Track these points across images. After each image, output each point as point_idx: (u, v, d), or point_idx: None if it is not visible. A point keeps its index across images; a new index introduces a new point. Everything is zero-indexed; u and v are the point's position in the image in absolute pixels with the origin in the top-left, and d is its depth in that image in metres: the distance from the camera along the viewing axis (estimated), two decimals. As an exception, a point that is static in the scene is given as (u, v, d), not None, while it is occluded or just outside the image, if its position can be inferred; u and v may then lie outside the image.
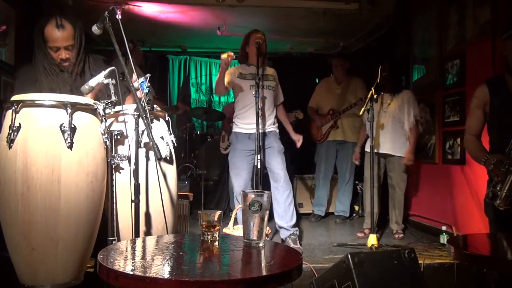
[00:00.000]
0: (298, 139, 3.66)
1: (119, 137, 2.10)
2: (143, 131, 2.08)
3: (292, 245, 3.26)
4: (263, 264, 1.38)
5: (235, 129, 3.48)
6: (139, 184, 2.00)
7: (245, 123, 3.40)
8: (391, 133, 3.81)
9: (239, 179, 3.41)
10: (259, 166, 3.09)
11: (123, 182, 2.13)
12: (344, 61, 4.70)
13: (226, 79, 3.34)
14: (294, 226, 3.38)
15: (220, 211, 1.53)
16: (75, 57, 2.32)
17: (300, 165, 5.21)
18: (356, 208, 4.92)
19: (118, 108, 2.11)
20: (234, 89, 3.49)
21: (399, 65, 4.52)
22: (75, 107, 1.96)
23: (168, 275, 1.17)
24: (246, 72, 3.45)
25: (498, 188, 2.08)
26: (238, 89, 3.45)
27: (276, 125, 3.50)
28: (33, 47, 2.32)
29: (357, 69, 5.87)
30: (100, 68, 2.23)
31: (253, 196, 1.46)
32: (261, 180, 3.15)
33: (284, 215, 3.35)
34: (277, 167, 3.37)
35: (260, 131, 3.15)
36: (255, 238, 1.46)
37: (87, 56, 2.38)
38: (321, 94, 4.77)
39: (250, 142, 3.36)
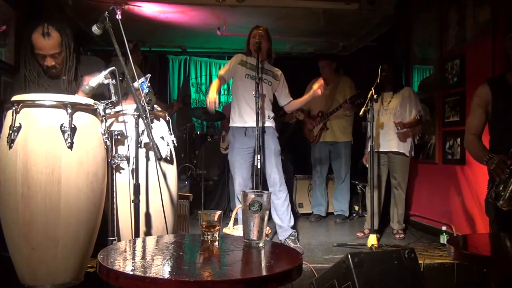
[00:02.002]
0: (317, 89, 3.36)
1: (119, 137, 2.10)
2: (143, 131, 2.08)
3: (292, 245, 3.26)
4: (263, 264, 1.38)
5: (231, 123, 3.45)
6: (139, 184, 2.00)
7: (239, 116, 3.38)
8: (394, 131, 3.81)
9: (239, 178, 3.39)
10: (259, 166, 3.08)
11: (123, 182, 2.13)
12: (331, 61, 4.70)
13: (226, 68, 3.46)
14: (292, 227, 3.38)
15: (220, 211, 1.53)
16: (62, 64, 2.29)
17: (299, 165, 5.22)
18: (356, 208, 4.92)
19: (118, 108, 2.11)
20: (233, 76, 3.47)
21: (399, 64, 4.54)
22: (75, 107, 1.96)
23: (168, 275, 1.17)
24: (248, 60, 3.44)
25: (501, 189, 2.07)
26: (235, 74, 3.44)
27: (272, 119, 3.45)
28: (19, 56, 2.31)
29: (357, 69, 5.89)
30: (94, 69, 2.21)
31: (253, 196, 1.46)
32: (261, 180, 3.15)
33: (283, 218, 3.35)
34: (273, 170, 3.34)
35: (255, 125, 3.12)
36: (255, 238, 1.46)
37: (78, 61, 2.36)
38: None
39: (246, 139, 3.34)
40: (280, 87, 3.53)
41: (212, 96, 3.19)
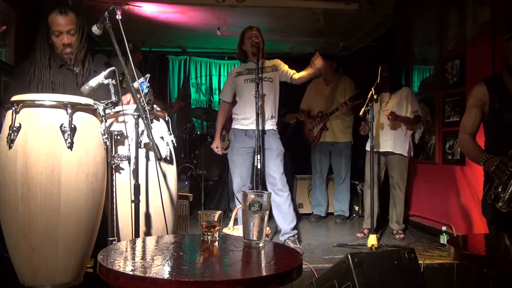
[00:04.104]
0: (319, 62, 3.50)
1: (119, 137, 2.10)
2: (143, 131, 2.08)
3: (292, 245, 3.26)
4: (263, 264, 1.38)
5: (233, 125, 3.50)
6: (139, 184, 2.00)
7: (241, 118, 3.41)
8: (391, 131, 3.82)
9: (237, 177, 3.42)
10: (259, 166, 3.09)
11: (123, 182, 2.13)
12: (331, 61, 4.71)
13: (225, 89, 3.64)
14: (294, 228, 3.38)
15: (220, 211, 1.53)
16: (76, 45, 2.36)
17: (299, 165, 5.22)
18: (356, 208, 4.93)
19: (118, 108, 2.11)
20: (235, 88, 3.54)
21: (398, 65, 4.55)
22: (75, 107, 1.96)
23: (168, 275, 1.17)
24: (242, 69, 3.48)
25: (500, 190, 2.06)
26: (236, 87, 3.51)
27: (275, 122, 3.48)
28: (33, 43, 2.36)
29: (357, 69, 5.89)
30: (101, 67, 2.25)
31: (253, 196, 1.46)
32: (261, 180, 3.15)
33: (286, 218, 3.34)
34: (275, 170, 3.34)
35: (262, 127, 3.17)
36: (255, 238, 1.46)
37: (88, 50, 2.42)
38: (311, 96, 4.80)
39: (247, 140, 3.36)
40: (282, 71, 3.55)
41: (215, 146, 3.59)
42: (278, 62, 3.55)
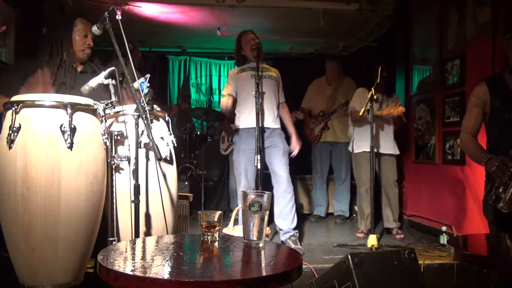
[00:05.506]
0: (295, 147, 3.50)
1: (119, 137, 2.10)
2: (143, 131, 2.08)
3: (293, 246, 3.25)
4: (263, 265, 1.38)
5: (239, 126, 3.41)
6: (139, 184, 2.00)
7: (246, 117, 3.34)
8: (390, 133, 3.88)
9: (245, 179, 3.33)
10: (259, 167, 3.07)
11: (123, 183, 2.13)
12: (339, 63, 4.75)
13: (228, 86, 3.44)
14: (294, 228, 3.37)
15: (220, 212, 1.53)
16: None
17: (300, 165, 5.20)
18: (356, 208, 4.92)
19: (118, 108, 2.11)
20: (238, 85, 3.44)
21: (398, 65, 4.57)
22: (75, 107, 1.95)
23: (168, 276, 1.17)
24: (245, 67, 3.42)
25: (500, 191, 2.05)
26: (239, 83, 3.40)
27: (279, 121, 3.43)
28: (47, 42, 2.42)
29: (357, 69, 5.89)
30: (98, 66, 2.29)
31: (253, 196, 1.46)
32: (261, 180, 3.14)
33: (286, 218, 3.31)
34: (281, 168, 3.31)
35: (261, 126, 3.12)
36: (255, 238, 1.46)
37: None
38: (313, 95, 4.81)
39: (254, 140, 3.29)
40: (280, 86, 3.54)
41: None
42: (279, 74, 3.53)
